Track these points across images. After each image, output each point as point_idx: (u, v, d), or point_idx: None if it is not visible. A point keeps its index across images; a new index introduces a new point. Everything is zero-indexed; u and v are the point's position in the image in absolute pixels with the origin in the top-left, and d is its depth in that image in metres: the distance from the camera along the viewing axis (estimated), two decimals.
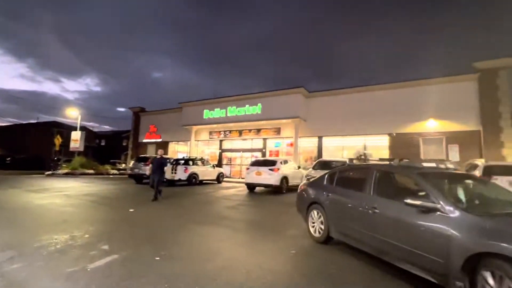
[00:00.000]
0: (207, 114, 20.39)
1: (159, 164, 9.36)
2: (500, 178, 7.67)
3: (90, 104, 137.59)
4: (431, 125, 14.24)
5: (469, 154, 13.31)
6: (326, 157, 16.81)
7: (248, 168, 12.29)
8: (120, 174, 22.27)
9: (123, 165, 29.82)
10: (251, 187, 12.46)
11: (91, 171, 20.43)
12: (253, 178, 11.93)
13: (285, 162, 12.69)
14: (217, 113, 19.89)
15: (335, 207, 4.29)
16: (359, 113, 16.05)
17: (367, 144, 16.12)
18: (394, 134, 15.10)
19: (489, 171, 7.95)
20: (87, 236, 4.55)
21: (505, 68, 13.02)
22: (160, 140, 24.72)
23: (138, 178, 15.36)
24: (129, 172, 15.82)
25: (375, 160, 8.71)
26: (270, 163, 11.98)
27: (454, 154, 13.64)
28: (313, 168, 11.42)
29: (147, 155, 16.26)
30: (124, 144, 49.39)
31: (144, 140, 25.80)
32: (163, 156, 9.78)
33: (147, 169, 14.82)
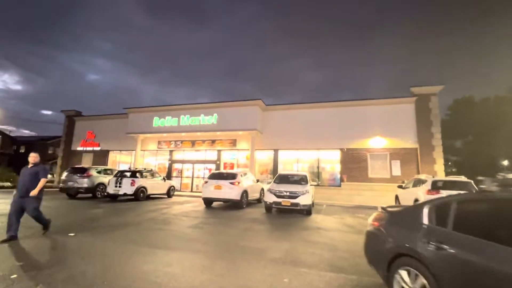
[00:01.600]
0: (157, 122, 18.87)
1: (31, 177, 5.58)
2: (445, 193, 8.46)
3: (7, 105, 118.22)
4: (377, 142, 15.46)
5: (408, 169, 14.77)
6: (281, 170, 16.93)
7: (206, 182, 11.49)
8: (46, 188, 18.92)
9: (49, 176, 25.65)
10: (208, 202, 11.64)
11: (7, 184, 16.94)
12: (212, 192, 11.17)
13: (245, 174, 12.26)
14: (169, 121, 18.56)
15: (459, 272, 2.22)
16: (314, 128, 16.65)
17: (320, 157, 16.72)
18: (345, 149, 15.98)
19: (436, 186, 8.74)
20: (13, 276, 3.39)
21: (435, 94, 14.98)
22: (98, 148, 21.98)
23: (72, 193, 13.17)
24: (60, 185, 13.47)
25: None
26: (230, 176, 11.40)
27: (397, 169, 14.98)
28: (274, 181, 11.20)
29: (85, 166, 14.13)
30: (50, 152, 43.09)
31: (79, 148, 22.65)
32: (38, 163, 5.85)
33: (84, 182, 12.98)
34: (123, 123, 20.61)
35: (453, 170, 33.37)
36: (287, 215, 9.87)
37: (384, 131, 15.40)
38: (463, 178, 8.89)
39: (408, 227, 2.87)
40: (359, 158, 15.70)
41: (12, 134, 45.33)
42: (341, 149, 16.08)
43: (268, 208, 10.36)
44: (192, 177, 19.36)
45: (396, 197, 11.88)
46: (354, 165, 15.68)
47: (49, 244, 5.00)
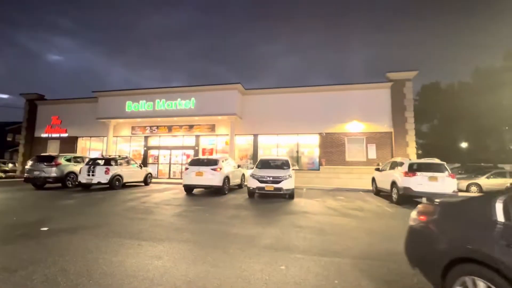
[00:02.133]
0: (130, 106, 17.85)
1: None
2: (420, 174, 8.89)
3: None
4: (354, 126, 15.84)
5: (383, 152, 15.36)
6: (261, 155, 16.91)
7: (186, 168, 11.14)
8: (7, 178, 17.49)
9: (10, 165, 23.71)
10: (189, 189, 11.36)
11: None
12: (193, 179, 10.87)
13: (226, 160, 12.06)
14: (143, 105, 17.63)
15: None
16: (293, 113, 16.66)
17: (299, 142, 16.86)
18: (324, 134, 16.23)
19: (412, 168, 9.13)
20: None
21: (410, 79, 15.48)
22: (65, 135, 20.50)
23: (39, 183, 12.22)
24: (25, 175, 12.43)
25: None
26: (212, 162, 11.14)
27: (372, 152, 15.53)
28: (256, 167, 11.12)
29: (52, 153, 13.10)
30: (9, 139, 39.70)
31: (43, 135, 20.98)
32: None
33: (52, 171, 12.08)
34: (93, 108, 19.30)
35: (419, 152, 35.47)
36: (270, 199, 9.90)
37: (361, 116, 15.77)
38: (436, 160, 9.36)
39: (471, 225, 2.23)
40: (337, 142, 16.03)
41: None
42: (320, 134, 16.30)
43: (251, 193, 10.32)
44: (170, 164, 18.79)
45: (373, 180, 12.34)
46: (332, 149, 16.02)
47: (20, 242, 4.54)
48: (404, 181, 8.96)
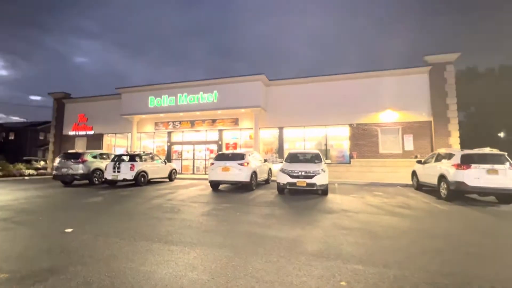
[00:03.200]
0: (152, 102, 17.69)
1: None
2: (476, 167, 7.78)
3: None
4: (388, 116, 14.64)
5: (421, 143, 14.10)
6: (286, 149, 16.20)
7: (212, 164, 10.65)
8: (38, 175, 18.00)
9: (42, 163, 24.61)
10: (215, 184, 10.89)
11: None
12: (219, 175, 10.37)
13: (252, 154, 11.45)
14: (165, 100, 17.40)
15: None
16: (320, 103, 15.72)
17: (328, 134, 15.91)
18: (355, 125, 15.17)
19: (466, 159, 8.02)
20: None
21: (451, 62, 14.00)
22: (92, 132, 20.83)
23: (68, 180, 12.27)
24: (54, 172, 12.53)
25: None
26: (239, 157, 10.57)
27: (409, 144, 14.29)
28: (286, 161, 10.42)
29: (79, 151, 13.13)
30: (41, 138, 41.70)
31: (71, 133, 21.47)
32: None
33: (79, 168, 12.06)
34: (117, 105, 19.39)
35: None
36: (302, 196, 9.20)
37: (396, 104, 14.54)
38: (495, 151, 8.17)
39: None
40: (369, 133, 14.93)
41: (0, 121, 43.45)
42: (350, 125, 15.26)
43: (281, 189, 9.66)
44: (193, 159, 18.52)
45: (414, 173, 11.24)
46: (364, 141, 14.95)
47: (41, 246, 4.17)
48: (457, 175, 7.88)
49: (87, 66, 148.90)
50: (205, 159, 18.29)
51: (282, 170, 9.56)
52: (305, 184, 9.01)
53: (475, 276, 3.09)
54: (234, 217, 6.01)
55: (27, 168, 18.16)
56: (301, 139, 16.38)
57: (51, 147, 21.88)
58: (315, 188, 9.02)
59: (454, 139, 13.56)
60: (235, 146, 17.40)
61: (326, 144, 15.79)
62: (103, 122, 20.46)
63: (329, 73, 15.96)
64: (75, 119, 21.40)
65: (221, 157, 10.91)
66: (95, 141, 20.54)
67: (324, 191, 9.32)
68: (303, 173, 9.15)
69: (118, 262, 3.44)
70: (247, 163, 10.35)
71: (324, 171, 9.30)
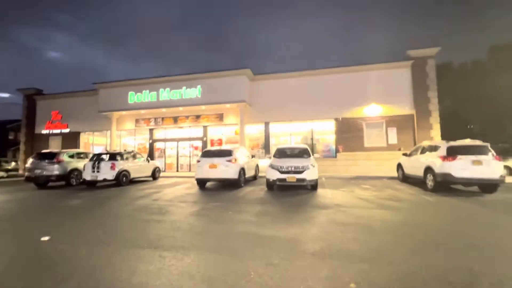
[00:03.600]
0: (132, 97, 16.92)
1: None
2: (462, 158, 7.95)
3: None
4: (373, 110, 14.82)
5: (405, 136, 14.39)
6: (273, 144, 16.08)
7: (198, 161, 10.28)
8: (9, 177, 16.80)
9: (13, 164, 23.04)
10: (202, 182, 10.55)
11: None
12: (206, 172, 10.03)
13: (239, 150, 11.18)
14: (146, 96, 16.69)
15: None
16: (306, 98, 15.66)
17: (314, 129, 15.90)
18: (340, 119, 15.24)
19: (451, 151, 8.18)
20: None
21: (433, 57, 14.33)
22: (67, 130, 19.69)
23: (41, 182, 11.46)
24: (26, 174, 11.65)
25: None
26: (226, 153, 10.27)
27: (393, 137, 14.56)
28: (274, 156, 10.25)
29: (54, 150, 12.29)
30: (11, 137, 39.11)
31: (44, 131, 20.20)
32: None
33: (55, 169, 11.30)
34: (94, 101, 18.42)
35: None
36: (293, 191, 9.09)
37: (380, 98, 14.73)
38: (478, 142, 8.39)
39: None
40: (354, 127, 15.06)
41: None
42: (336, 119, 15.32)
43: (270, 185, 9.50)
44: (177, 156, 17.97)
45: (399, 166, 11.42)
46: (349, 135, 15.07)
47: (13, 258, 3.74)
48: (444, 167, 8.03)
49: (60, 61, 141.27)
50: (190, 156, 17.80)
51: (271, 166, 9.38)
52: (295, 180, 8.89)
53: (481, 270, 3.03)
54: (226, 217, 5.75)
55: None
56: (287, 134, 16.28)
57: (22, 147, 20.50)
58: (305, 183, 8.93)
59: (436, 132, 13.95)
60: (220, 142, 17.04)
61: (312, 139, 15.79)
62: (79, 120, 19.39)
63: (314, 67, 15.86)
64: (48, 117, 20.14)
65: (207, 153, 10.56)
66: (71, 139, 19.44)
67: (314, 186, 9.24)
68: (292, 169, 9.01)
69: (104, 273, 3.10)
70: (235, 160, 10.08)
71: (314, 166, 9.21)
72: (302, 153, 10.35)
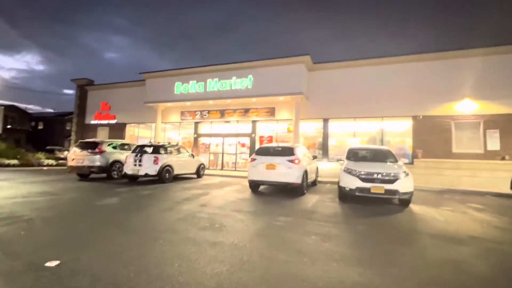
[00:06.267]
0: (179, 88, 15.86)
1: None
2: None
3: (32, 85, 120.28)
4: (466, 107, 11.77)
5: (510, 142, 11.14)
6: (332, 145, 13.82)
7: (253, 159, 8.48)
8: (58, 165, 16.80)
9: (66, 153, 23.75)
10: (256, 185, 8.75)
11: (15, 162, 14.76)
12: (262, 174, 8.18)
13: (301, 149, 9.17)
14: (193, 87, 15.50)
15: None
16: (376, 91, 13.11)
17: (384, 129, 13.26)
18: (420, 117, 12.42)
19: None
20: None
21: None
22: (114, 121, 19.46)
23: (83, 173, 10.64)
24: (68, 163, 10.95)
25: None
26: (287, 152, 8.33)
27: (494, 141, 11.37)
28: (348, 159, 8.06)
29: (96, 140, 11.47)
30: (68, 128, 41.68)
31: (93, 122, 20.26)
32: None
33: (96, 159, 10.39)
34: (141, 92, 17.82)
35: None
36: (375, 205, 6.89)
37: (476, 92, 11.64)
38: None
39: None
40: (439, 127, 12.14)
41: (30, 111, 44.11)
42: (414, 117, 12.53)
43: (345, 196, 7.35)
44: (222, 153, 16.55)
45: None
46: (432, 137, 12.19)
47: None
48: None
49: (117, 62, 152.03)
50: (236, 154, 16.26)
51: (348, 171, 7.21)
52: (383, 191, 6.63)
53: None
54: (311, 244, 3.76)
55: (47, 158, 17.01)
56: (350, 134, 13.85)
57: (73, 136, 20.83)
58: (396, 196, 6.64)
59: None
60: (270, 139, 15.20)
61: (381, 140, 13.17)
62: (126, 111, 19.00)
63: (388, 55, 13.23)
64: (98, 107, 20.15)
65: (264, 151, 8.70)
66: (118, 131, 19.14)
67: (406, 201, 6.89)
68: (379, 176, 6.76)
69: None
70: (298, 160, 8.09)
71: (408, 175, 6.87)
72: (386, 157, 8.07)
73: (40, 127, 43.20)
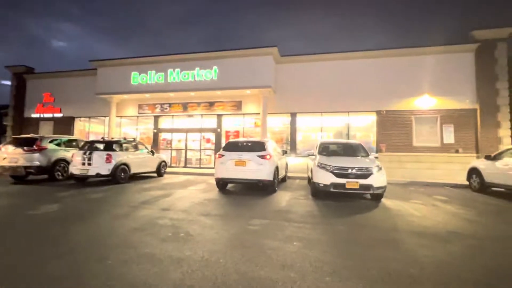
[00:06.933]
0: (136, 78, 14.42)
1: None
2: None
3: None
4: (425, 102, 12.28)
5: (464, 135, 11.91)
6: (299, 140, 13.65)
7: (221, 156, 7.78)
8: None
9: None
10: (224, 183, 8.10)
11: None
12: (231, 171, 7.54)
13: (271, 144, 8.68)
14: (152, 77, 14.19)
15: None
16: (342, 86, 13.14)
17: (350, 123, 13.38)
18: (384, 112, 12.71)
19: None
20: None
21: (504, 39, 11.75)
22: (60, 115, 17.23)
23: (18, 175, 9.02)
24: (0, 163, 9.18)
25: None
26: (258, 147, 7.80)
27: (449, 136, 12.03)
28: (320, 153, 7.77)
29: (35, 135, 9.79)
30: (5, 123, 36.66)
31: (34, 115, 17.75)
32: None
33: (34, 158, 8.87)
34: (91, 82, 15.94)
35: None
36: (348, 201, 6.69)
37: (434, 88, 12.19)
38: None
39: None
40: (401, 122, 12.54)
41: None
42: (378, 112, 12.79)
43: (319, 192, 7.06)
44: (185, 150, 15.51)
45: (473, 171, 8.90)
46: (394, 131, 12.56)
47: None
48: None
49: (66, 51, 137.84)
50: (200, 150, 15.35)
51: (321, 166, 6.90)
52: (357, 187, 6.43)
53: None
54: (295, 253, 3.25)
55: None
56: (317, 128, 13.75)
57: (9, 132, 18.05)
58: (370, 191, 6.47)
59: (505, 131, 11.42)
60: (237, 134, 14.55)
61: (347, 135, 13.27)
62: (74, 103, 16.90)
63: (355, 49, 13.31)
64: (39, 99, 17.66)
65: (232, 146, 8.05)
66: (65, 126, 16.98)
67: (379, 195, 6.78)
68: (354, 171, 6.54)
69: None
70: (270, 156, 7.59)
71: (381, 169, 6.75)
72: (357, 151, 7.95)
73: None
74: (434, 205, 6.51)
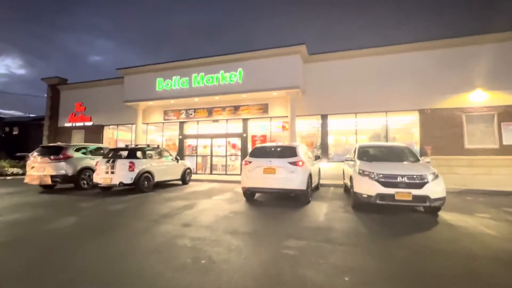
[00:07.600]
0: (161, 84, 14.27)
1: None
2: None
3: (13, 89, 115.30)
4: (478, 98, 10.75)
5: None
6: (331, 143, 12.62)
7: (248, 162, 7.07)
8: (24, 174, 14.83)
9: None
10: (252, 193, 7.37)
11: (17, 170, 12.95)
12: (260, 180, 6.79)
13: (302, 148, 7.81)
14: (177, 83, 13.94)
15: None
16: (378, 83, 11.96)
17: (389, 124, 12.11)
18: (428, 110, 11.32)
19: None
20: None
21: None
22: (90, 123, 17.63)
23: (45, 183, 8.96)
24: (28, 173, 9.22)
25: None
26: (288, 152, 6.99)
27: (509, 135, 10.39)
28: (360, 159, 6.79)
29: (61, 144, 9.76)
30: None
31: (67, 124, 18.35)
32: None
33: (60, 167, 8.75)
34: (119, 91, 16.11)
35: None
36: (400, 214, 5.63)
37: (489, 81, 10.65)
38: None
39: None
40: (449, 122, 11.08)
41: (2, 116, 41.17)
42: (422, 110, 11.43)
43: (361, 204, 6.09)
44: (211, 156, 15.05)
45: None
46: (441, 132, 11.12)
47: None
48: None
49: (101, 65, 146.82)
50: (226, 156, 14.82)
51: (365, 174, 5.93)
52: (410, 198, 5.37)
53: None
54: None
55: (12, 166, 15.03)
56: (351, 131, 12.62)
57: (45, 141, 18.79)
58: (426, 203, 5.37)
59: None
60: (264, 139, 13.82)
61: (386, 137, 12.01)
62: (103, 112, 17.22)
63: (392, 43, 12.10)
64: (72, 108, 18.25)
65: (260, 152, 7.30)
66: (95, 134, 17.33)
67: (437, 208, 5.66)
68: (405, 179, 5.50)
69: None
70: (302, 162, 6.75)
71: (437, 177, 5.64)
72: (402, 155, 6.85)
73: (15, 132, 40.32)
74: (508, 221, 5.28)
